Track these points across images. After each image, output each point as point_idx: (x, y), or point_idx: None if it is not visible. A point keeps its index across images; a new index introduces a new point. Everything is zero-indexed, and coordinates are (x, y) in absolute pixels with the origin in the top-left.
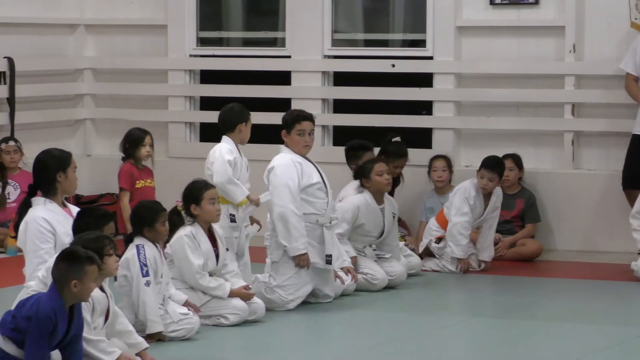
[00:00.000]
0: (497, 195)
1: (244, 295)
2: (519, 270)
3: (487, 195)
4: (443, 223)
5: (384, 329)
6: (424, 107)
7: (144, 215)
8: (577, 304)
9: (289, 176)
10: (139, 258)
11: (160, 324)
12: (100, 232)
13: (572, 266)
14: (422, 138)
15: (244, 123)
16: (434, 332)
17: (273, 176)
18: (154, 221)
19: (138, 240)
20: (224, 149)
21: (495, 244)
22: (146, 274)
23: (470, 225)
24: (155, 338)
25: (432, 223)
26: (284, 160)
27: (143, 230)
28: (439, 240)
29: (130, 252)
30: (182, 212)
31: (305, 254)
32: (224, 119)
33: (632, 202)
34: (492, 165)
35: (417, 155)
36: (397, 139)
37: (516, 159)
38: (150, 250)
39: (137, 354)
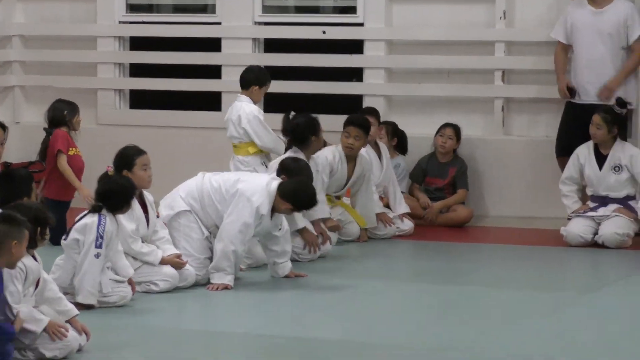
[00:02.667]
0: (383, 147)
1: (176, 263)
2: (451, 236)
3: (377, 151)
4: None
5: (323, 294)
6: (355, 74)
7: (124, 192)
8: (511, 270)
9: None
10: (97, 228)
11: (94, 298)
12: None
13: (504, 232)
14: (353, 105)
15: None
16: (368, 297)
17: None
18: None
19: (104, 212)
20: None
21: (424, 208)
22: (99, 246)
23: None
24: (85, 306)
25: None
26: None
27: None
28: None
29: (91, 219)
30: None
31: None
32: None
33: (563, 168)
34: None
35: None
36: (292, 114)
37: (457, 130)
38: (112, 224)
39: (67, 321)
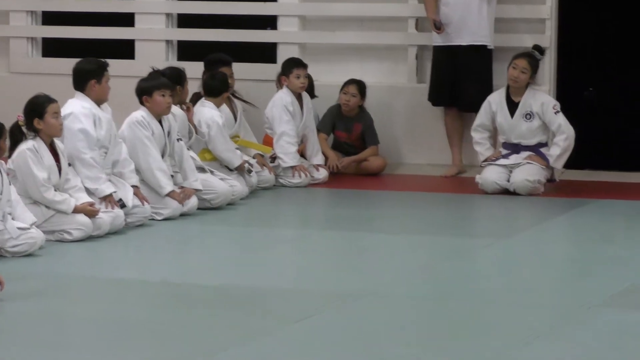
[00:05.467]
0: (305, 95)
1: (89, 211)
2: (365, 185)
3: (299, 99)
4: (270, 143)
5: (237, 242)
6: (269, 22)
7: None
8: (425, 217)
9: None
10: None
11: None
12: None
13: (419, 179)
14: (267, 53)
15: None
16: (278, 245)
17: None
18: None
19: None
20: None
21: (332, 169)
22: None
23: (295, 132)
24: None
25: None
26: None
27: None
28: (273, 159)
29: None
30: (24, 127)
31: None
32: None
33: (451, 118)
34: (301, 62)
35: (262, 70)
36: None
37: (361, 86)
38: None
39: None
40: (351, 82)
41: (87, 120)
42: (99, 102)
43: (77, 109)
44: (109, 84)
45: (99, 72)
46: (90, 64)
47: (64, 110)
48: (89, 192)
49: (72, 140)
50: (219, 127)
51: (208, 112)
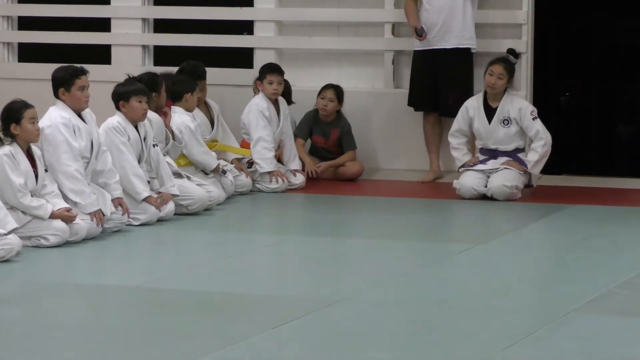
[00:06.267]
0: (282, 101)
1: (65, 217)
2: (342, 190)
3: (275, 104)
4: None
5: (214, 247)
6: (245, 27)
7: None
8: (403, 222)
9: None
10: None
11: None
12: None
13: (396, 185)
14: (244, 58)
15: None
16: (256, 250)
17: None
18: None
19: None
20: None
21: (310, 174)
22: None
23: (272, 138)
24: None
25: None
26: None
27: None
28: (250, 164)
29: None
30: (0, 133)
31: None
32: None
33: (430, 123)
34: (276, 68)
35: (238, 75)
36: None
37: (338, 91)
38: None
39: None
40: (329, 87)
41: (67, 130)
42: (76, 110)
43: (55, 119)
44: (89, 92)
45: (67, 80)
46: (60, 72)
47: (44, 120)
48: (69, 202)
49: (56, 153)
50: (190, 132)
51: (178, 117)
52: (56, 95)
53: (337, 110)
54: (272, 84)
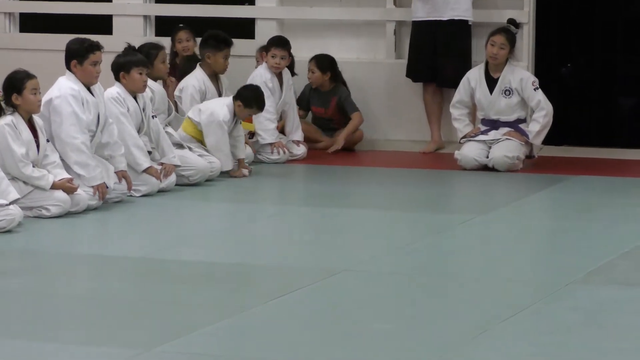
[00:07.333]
0: (285, 72)
1: (67, 187)
2: (342, 160)
3: (279, 76)
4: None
5: (218, 219)
6: None
7: None
8: (404, 193)
9: None
10: None
11: None
12: None
13: (398, 155)
14: (245, 29)
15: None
16: (257, 221)
17: None
18: None
19: None
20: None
21: (325, 148)
22: None
23: (274, 109)
24: None
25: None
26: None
27: None
28: (252, 135)
29: None
30: (2, 102)
31: None
32: None
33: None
34: (281, 42)
35: (240, 46)
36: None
37: (319, 62)
38: None
39: None
40: (312, 58)
41: (76, 102)
42: (86, 84)
43: (65, 90)
44: (101, 67)
45: (82, 54)
46: (75, 44)
47: (53, 90)
48: (72, 173)
49: (64, 124)
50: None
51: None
52: (68, 66)
53: (331, 79)
54: (275, 57)
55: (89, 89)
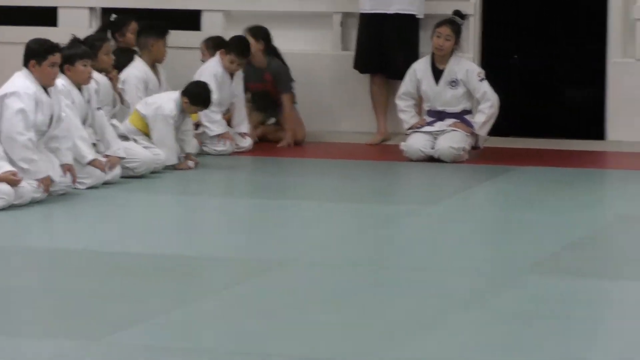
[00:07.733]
0: (238, 75)
1: (11, 180)
2: (288, 152)
3: (230, 75)
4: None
5: (160, 211)
6: None
7: None
8: (350, 185)
9: None
10: None
11: None
12: None
13: (344, 147)
14: (190, 20)
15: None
16: (204, 213)
17: None
18: None
19: None
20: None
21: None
22: None
23: (219, 101)
24: None
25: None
26: None
27: None
28: (197, 126)
29: None
30: None
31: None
32: None
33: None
34: (244, 53)
35: (184, 37)
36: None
37: (252, 30)
38: None
39: None
40: (245, 28)
41: (30, 101)
42: (43, 85)
43: (21, 88)
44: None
45: (41, 54)
46: (35, 44)
47: (8, 86)
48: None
49: (11, 120)
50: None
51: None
52: (26, 65)
53: (265, 52)
54: (233, 63)
55: (45, 90)
